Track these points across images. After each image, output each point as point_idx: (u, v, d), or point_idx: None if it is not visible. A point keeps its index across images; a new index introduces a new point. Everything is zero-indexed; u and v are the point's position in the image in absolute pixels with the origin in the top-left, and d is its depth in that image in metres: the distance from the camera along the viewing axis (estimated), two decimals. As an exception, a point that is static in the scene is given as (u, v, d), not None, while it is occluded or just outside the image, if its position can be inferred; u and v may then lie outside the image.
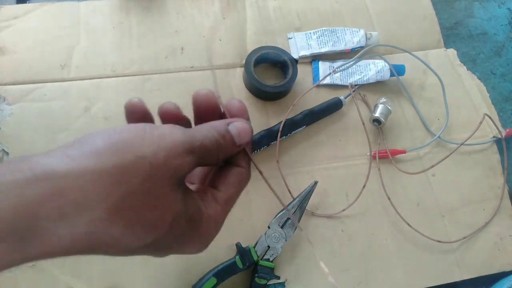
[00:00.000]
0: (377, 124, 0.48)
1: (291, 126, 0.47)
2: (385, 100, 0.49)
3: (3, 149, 0.43)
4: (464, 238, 0.46)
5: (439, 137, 0.50)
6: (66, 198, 0.18)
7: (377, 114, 0.48)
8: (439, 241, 0.45)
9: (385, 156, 0.48)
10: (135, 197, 0.20)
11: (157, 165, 0.20)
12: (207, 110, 0.26)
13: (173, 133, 0.22)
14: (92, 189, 0.19)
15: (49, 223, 0.18)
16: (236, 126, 0.25)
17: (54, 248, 0.18)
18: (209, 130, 0.24)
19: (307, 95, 0.49)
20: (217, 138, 0.24)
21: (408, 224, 0.44)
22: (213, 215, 0.25)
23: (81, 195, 0.19)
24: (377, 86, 0.52)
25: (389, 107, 0.48)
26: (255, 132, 0.46)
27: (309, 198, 0.42)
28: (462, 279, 0.44)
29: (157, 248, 0.23)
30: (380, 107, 0.48)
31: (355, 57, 0.50)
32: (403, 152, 0.48)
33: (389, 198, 0.45)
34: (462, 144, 0.45)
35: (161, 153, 0.21)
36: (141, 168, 0.20)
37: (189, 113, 0.27)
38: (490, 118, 0.50)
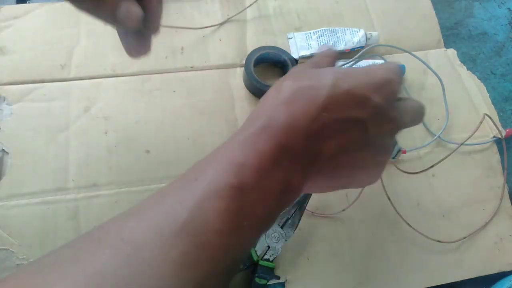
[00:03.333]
0: (377, 124, 0.48)
1: (291, 126, 0.46)
2: (385, 100, 0.49)
3: (3, 149, 0.43)
4: (464, 238, 0.45)
5: (439, 137, 0.50)
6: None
7: (377, 114, 0.48)
8: (439, 241, 0.44)
9: (385, 156, 0.47)
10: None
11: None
12: None
13: None
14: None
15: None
16: None
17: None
18: None
19: (307, 95, 0.49)
20: None
21: (408, 224, 0.44)
22: None
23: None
24: (377, 86, 0.52)
25: (389, 107, 0.48)
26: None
27: (309, 198, 0.42)
28: (462, 279, 0.44)
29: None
30: (380, 107, 0.48)
31: (355, 57, 0.50)
32: (403, 152, 0.48)
33: (389, 198, 0.45)
34: (462, 144, 0.45)
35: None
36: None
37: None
38: (490, 118, 0.50)
